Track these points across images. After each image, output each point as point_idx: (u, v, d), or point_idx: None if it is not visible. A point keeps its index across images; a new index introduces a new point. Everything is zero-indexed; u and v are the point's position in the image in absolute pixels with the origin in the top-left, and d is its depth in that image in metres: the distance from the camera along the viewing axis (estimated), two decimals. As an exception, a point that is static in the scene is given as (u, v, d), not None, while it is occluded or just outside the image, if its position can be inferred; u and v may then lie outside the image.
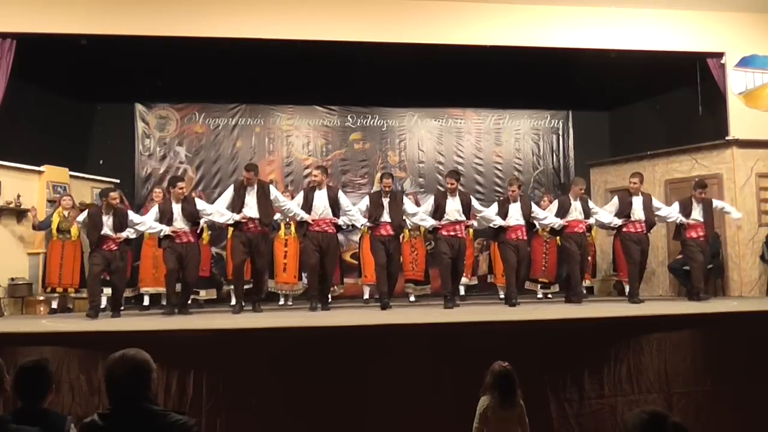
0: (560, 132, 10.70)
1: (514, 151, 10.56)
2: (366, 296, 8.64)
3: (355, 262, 8.95)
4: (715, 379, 5.13)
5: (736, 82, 8.76)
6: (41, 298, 7.72)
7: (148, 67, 8.88)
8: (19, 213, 7.92)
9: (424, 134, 10.38)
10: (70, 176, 8.56)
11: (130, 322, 6.04)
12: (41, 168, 8.24)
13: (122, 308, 7.34)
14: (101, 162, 9.46)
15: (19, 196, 7.85)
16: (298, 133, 10.15)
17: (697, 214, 7.62)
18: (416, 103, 10.23)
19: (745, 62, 8.79)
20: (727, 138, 8.63)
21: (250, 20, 7.96)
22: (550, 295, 8.82)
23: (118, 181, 9.07)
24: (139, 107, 9.82)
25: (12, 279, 7.59)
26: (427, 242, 8.78)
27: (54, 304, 7.74)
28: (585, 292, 8.93)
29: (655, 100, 10.09)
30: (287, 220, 8.04)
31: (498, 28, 8.42)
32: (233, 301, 8.20)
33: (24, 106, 8.18)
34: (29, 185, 8.13)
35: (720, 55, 8.77)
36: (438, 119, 10.43)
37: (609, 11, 8.57)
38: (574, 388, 4.88)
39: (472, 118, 10.53)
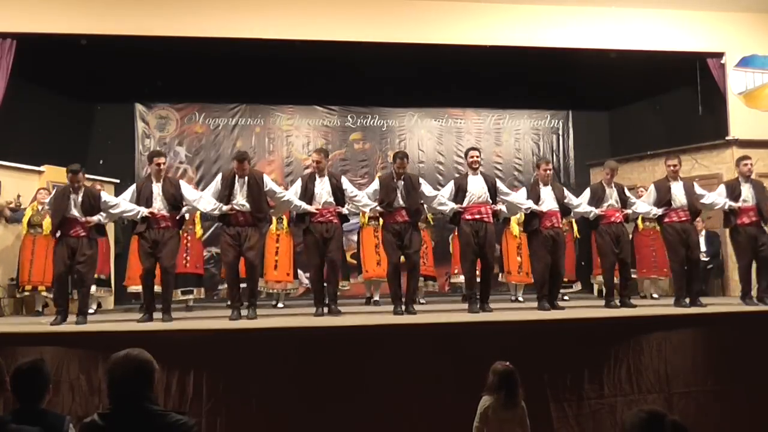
0: (560, 132, 10.70)
1: (514, 151, 10.56)
2: (368, 295, 8.28)
3: (355, 261, 8.73)
4: (715, 379, 5.13)
5: (736, 82, 8.76)
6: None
7: (148, 67, 8.87)
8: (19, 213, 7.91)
9: (424, 134, 10.38)
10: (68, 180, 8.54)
11: (130, 323, 6.03)
12: (41, 168, 8.23)
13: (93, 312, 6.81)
14: (101, 162, 9.44)
15: (19, 196, 7.84)
16: (298, 133, 10.15)
17: (747, 194, 6.68)
18: (416, 103, 10.23)
19: (745, 62, 8.79)
20: (727, 138, 8.63)
21: (250, 20, 7.97)
22: (566, 297, 8.05)
23: (118, 181, 9.06)
24: (139, 107, 9.82)
25: (12, 279, 7.59)
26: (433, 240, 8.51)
27: (36, 306, 7.38)
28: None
29: (655, 100, 10.08)
30: (279, 215, 7.73)
31: (498, 28, 8.43)
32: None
33: (24, 106, 8.17)
34: (29, 185, 8.11)
35: (720, 55, 8.78)
36: (438, 119, 10.43)
37: (609, 11, 8.59)
38: (574, 388, 4.88)
39: (472, 118, 10.53)
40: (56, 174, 8.36)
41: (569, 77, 9.47)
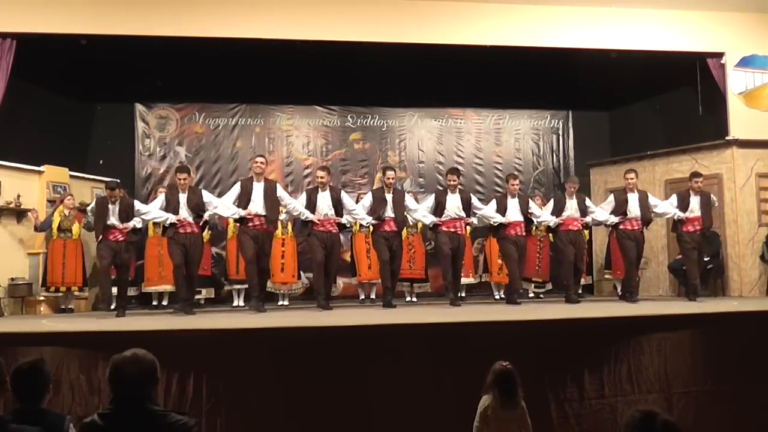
0: (560, 132, 10.71)
1: (514, 151, 10.56)
2: (362, 296, 8.69)
3: (348, 260, 8.96)
4: (715, 379, 5.12)
5: (736, 82, 8.76)
6: (41, 298, 7.73)
7: (148, 67, 8.89)
8: (19, 213, 7.93)
9: (424, 134, 10.39)
10: (70, 176, 8.56)
11: (130, 322, 6.04)
12: (41, 168, 8.24)
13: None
14: (101, 162, 9.46)
15: (19, 196, 7.86)
16: (298, 133, 10.15)
17: (694, 205, 7.56)
18: (416, 103, 10.23)
19: (745, 62, 8.80)
20: (727, 138, 8.64)
21: (250, 20, 7.97)
22: (542, 295, 8.87)
23: (118, 181, 9.04)
24: (139, 107, 9.82)
25: (12, 279, 7.60)
26: (426, 242, 8.82)
27: (62, 304, 7.81)
28: (581, 291, 8.98)
29: (655, 100, 10.09)
30: (288, 219, 8.09)
31: (498, 28, 8.44)
32: (235, 302, 8.24)
33: (24, 106, 8.18)
34: (29, 185, 8.13)
35: (720, 55, 8.78)
36: (438, 119, 10.43)
37: (609, 11, 8.59)
38: (574, 388, 4.87)
39: (472, 118, 10.53)
40: (56, 174, 8.39)
41: (569, 77, 9.47)
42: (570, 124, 10.71)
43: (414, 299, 8.61)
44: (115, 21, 7.74)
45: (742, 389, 5.09)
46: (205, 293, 8.39)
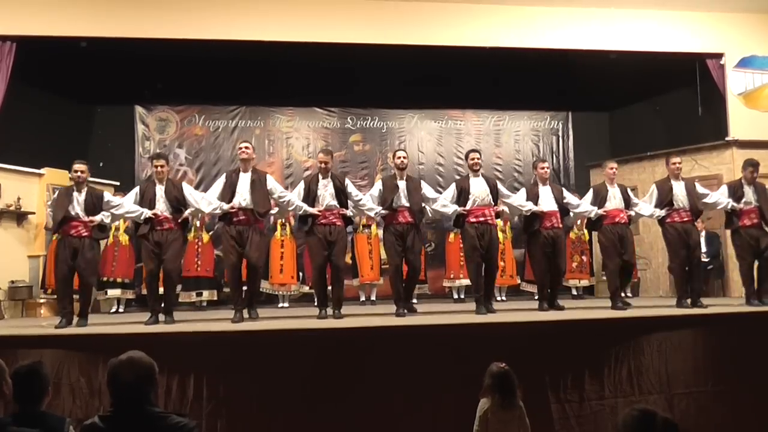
0: (560, 133, 10.70)
1: (514, 152, 10.55)
2: (362, 298, 8.64)
3: (350, 262, 8.89)
4: (715, 379, 5.12)
5: (736, 83, 8.77)
6: (41, 300, 7.73)
7: (148, 69, 8.89)
8: (19, 216, 7.93)
9: (423, 136, 10.38)
10: (70, 178, 8.55)
11: (130, 325, 6.03)
12: (41, 170, 8.25)
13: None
14: (101, 164, 9.40)
15: (19, 198, 7.86)
16: (298, 135, 10.15)
17: (749, 197, 6.60)
18: (416, 105, 10.23)
19: (744, 63, 8.80)
20: (727, 138, 8.64)
21: (250, 22, 7.99)
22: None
23: (118, 183, 9.08)
24: (139, 109, 9.83)
25: (12, 282, 7.60)
26: (426, 243, 8.82)
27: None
28: (582, 292, 8.93)
29: (654, 101, 10.09)
30: (283, 220, 8.04)
31: (497, 30, 8.44)
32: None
33: (24, 108, 8.18)
34: (29, 188, 8.14)
35: (719, 55, 8.79)
36: (438, 121, 10.43)
37: (609, 11, 8.60)
38: (575, 389, 4.88)
39: (471, 119, 10.53)
40: (56, 176, 8.39)
41: (569, 78, 9.47)
42: (570, 125, 10.71)
43: (414, 300, 8.47)
44: (114, 23, 7.75)
45: (743, 389, 5.09)
46: (207, 295, 8.34)
